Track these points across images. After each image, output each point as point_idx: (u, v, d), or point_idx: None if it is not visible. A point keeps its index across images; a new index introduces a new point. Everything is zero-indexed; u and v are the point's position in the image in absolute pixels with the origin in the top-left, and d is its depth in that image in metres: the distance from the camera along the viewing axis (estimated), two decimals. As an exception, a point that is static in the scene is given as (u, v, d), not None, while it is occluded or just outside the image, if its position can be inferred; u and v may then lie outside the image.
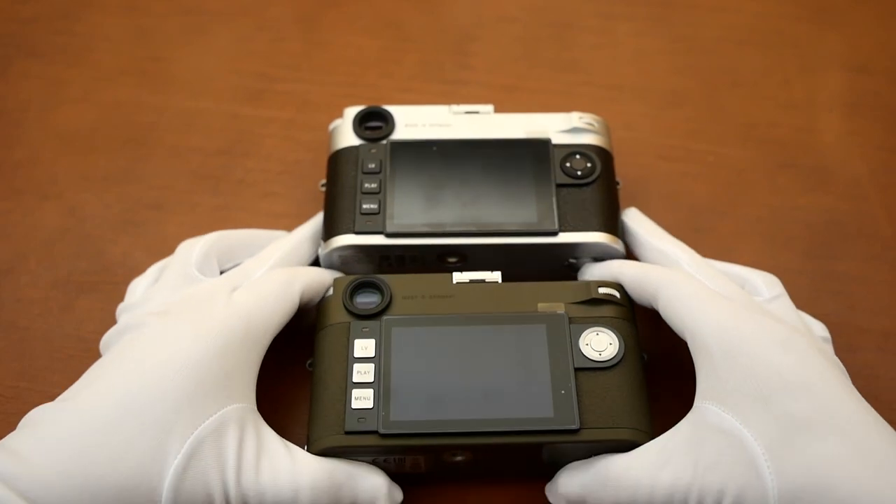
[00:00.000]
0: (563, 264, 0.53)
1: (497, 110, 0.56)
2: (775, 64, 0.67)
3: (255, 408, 0.45)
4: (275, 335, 0.47)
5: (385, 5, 0.71)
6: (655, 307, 0.47)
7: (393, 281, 0.49)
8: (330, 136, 0.56)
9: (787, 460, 0.38)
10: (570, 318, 0.47)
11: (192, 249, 0.50)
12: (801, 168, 0.62)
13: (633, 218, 0.54)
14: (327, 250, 0.52)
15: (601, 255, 0.53)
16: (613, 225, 0.53)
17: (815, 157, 0.62)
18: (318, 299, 0.49)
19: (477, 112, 0.56)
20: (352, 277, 0.49)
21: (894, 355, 0.46)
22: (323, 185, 0.55)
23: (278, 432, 0.46)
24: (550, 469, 0.47)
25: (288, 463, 0.43)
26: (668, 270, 0.47)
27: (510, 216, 0.52)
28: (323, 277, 0.50)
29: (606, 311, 0.48)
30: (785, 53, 0.68)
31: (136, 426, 0.40)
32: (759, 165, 0.61)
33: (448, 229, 0.52)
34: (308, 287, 0.48)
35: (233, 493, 0.41)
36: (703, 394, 0.43)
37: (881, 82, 0.66)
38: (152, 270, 0.51)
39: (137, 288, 0.50)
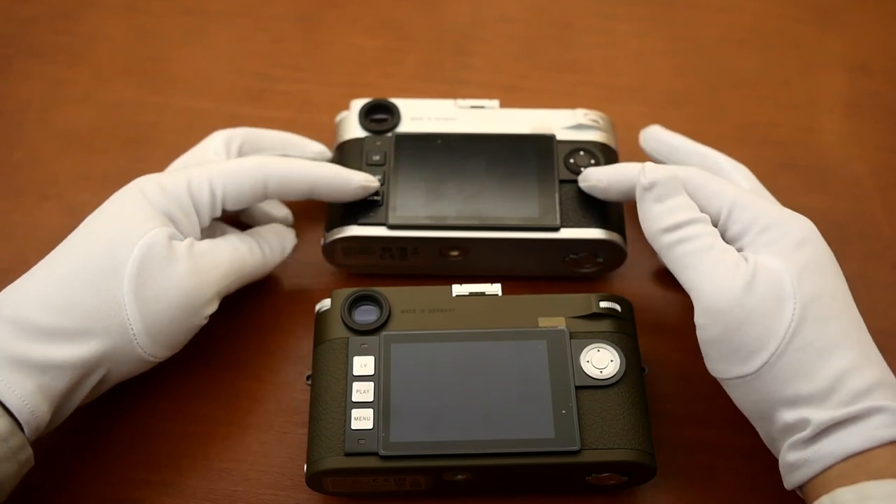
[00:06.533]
0: (563, 259, 0.53)
1: (502, 105, 0.57)
2: (775, 64, 0.67)
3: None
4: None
5: (385, 5, 0.71)
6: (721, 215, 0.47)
7: (391, 294, 0.48)
8: (336, 128, 0.57)
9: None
10: (570, 334, 0.47)
11: (217, 136, 0.54)
12: (801, 168, 0.62)
13: (663, 130, 0.57)
14: (329, 240, 0.52)
15: (602, 251, 0.53)
16: (616, 222, 0.53)
17: (815, 157, 0.62)
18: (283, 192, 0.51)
19: (482, 107, 0.56)
20: (350, 291, 0.48)
21: (894, 355, 0.46)
22: None
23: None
24: (552, 486, 0.47)
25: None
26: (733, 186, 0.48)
27: (512, 211, 0.52)
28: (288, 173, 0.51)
29: (607, 325, 0.47)
30: (785, 53, 0.68)
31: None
32: (759, 165, 0.61)
33: (450, 222, 0.52)
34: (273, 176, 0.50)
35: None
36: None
37: (881, 82, 0.66)
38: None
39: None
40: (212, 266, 0.48)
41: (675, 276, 0.46)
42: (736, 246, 0.46)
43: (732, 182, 0.49)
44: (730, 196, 0.46)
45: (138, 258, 0.45)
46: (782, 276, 0.43)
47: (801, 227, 0.45)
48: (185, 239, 0.47)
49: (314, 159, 0.56)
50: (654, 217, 0.46)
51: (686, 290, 0.45)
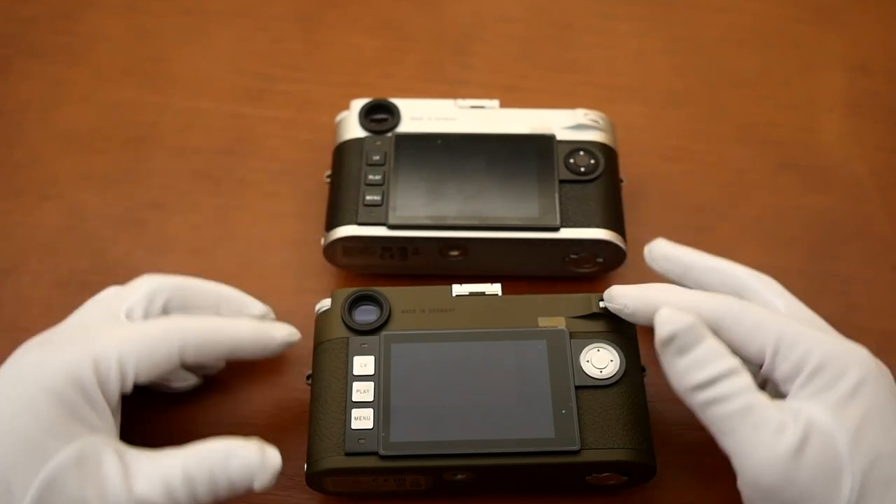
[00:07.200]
0: (563, 259, 0.53)
1: (502, 105, 0.57)
2: (775, 64, 0.67)
3: (115, 434, 0.42)
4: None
5: (385, 5, 0.71)
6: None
7: (392, 294, 0.48)
8: (336, 128, 0.57)
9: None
10: (570, 333, 0.47)
11: (142, 285, 0.47)
12: (801, 168, 0.62)
13: (670, 246, 0.49)
14: (329, 240, 0.52)
15: (602, 251, 0.53)
16: (616, 222, 0.53)
17: (815, 157, 0.62)
18: (206, 358, 0.45)
19: (482, 107, 0.56)
20: (350, 290, 0.48)
21: (894, 355, 0.46)
22: (328, 177, 0.56)
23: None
24: (552, 486, 0.47)
25: (150, 467, 0.40)
26: (782, 316, 0.43)
27: (512, 210, 0.52)
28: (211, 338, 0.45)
29: (607, 325, 0.47)
30: (785, 53, 0.68)
31: None
32: (759, 165, 0.61)
33: (450, 222, 0.52)
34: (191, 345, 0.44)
35: None
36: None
37: (881, 82, 0.66)
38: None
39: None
40: (152, 469, 0.40)
41: (713, 437, 0.41)
42: (784, 388, 0.41)
43: (767, 306, 0.44)
44: (774, 331, 0.41)
45: (38, 497, 0.37)
46: (836, 438, 0.38)
47: (856, 367, 0.40)
48: (104, 445, 0.40)
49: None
50: (680, 374, 0.41)
51: (726, 455, 0.41)
